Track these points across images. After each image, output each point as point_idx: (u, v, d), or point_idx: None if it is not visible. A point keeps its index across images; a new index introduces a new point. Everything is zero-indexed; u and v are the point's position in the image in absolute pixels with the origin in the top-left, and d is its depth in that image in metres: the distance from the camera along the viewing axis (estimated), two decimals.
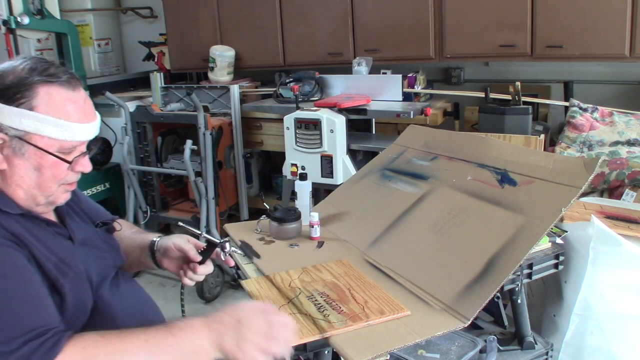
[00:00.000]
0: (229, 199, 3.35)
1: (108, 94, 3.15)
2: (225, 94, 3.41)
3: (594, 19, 2.68)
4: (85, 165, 1.10)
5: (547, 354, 1.58)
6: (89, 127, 1.06)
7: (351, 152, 2.72)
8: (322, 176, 2.70)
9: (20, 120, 0.99)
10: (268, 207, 1.77)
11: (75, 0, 4.36)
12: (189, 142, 2.92)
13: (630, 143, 2.47)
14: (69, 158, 1.05)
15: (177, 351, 0.95)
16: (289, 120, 2.74)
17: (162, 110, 3.38)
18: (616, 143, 2.49)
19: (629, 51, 2.64)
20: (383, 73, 3.25)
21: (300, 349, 1.15)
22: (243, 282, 1.42)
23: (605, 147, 2.49)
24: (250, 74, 3.89)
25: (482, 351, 1.46)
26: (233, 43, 3.66)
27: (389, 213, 1.65)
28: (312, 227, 1.68)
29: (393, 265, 1.44)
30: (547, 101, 3.01)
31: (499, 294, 1.46)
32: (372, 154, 2.25)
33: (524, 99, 2.63)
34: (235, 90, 3.35)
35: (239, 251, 1.60)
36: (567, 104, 2.79)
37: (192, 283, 1.30)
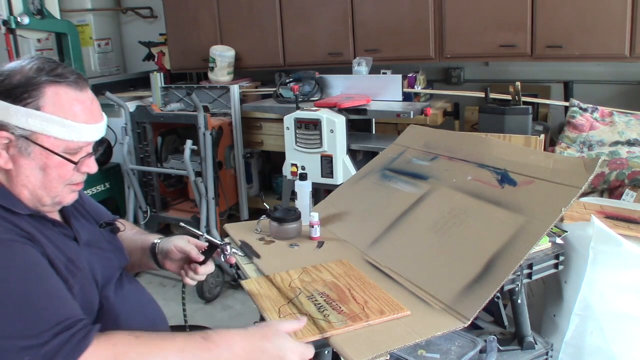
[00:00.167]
0: (229, 199, 3.35)
1: (108, 94, 3.15)
2: (225, 94, 3.41)
3: (594, 19, 2.68)
4: (91, 166, 1.09)
5: (547, 354, 1.57)
6: (95, 128, 1.06)
7: (351, 152, 2.72)
8: (322, 176, 2.69)
9: (27, 120, 0.98)
10: (268, 207, 1.77)
11: (75, 0, 4.36)
12: (189, 142, 2.92)
13: (630, 143, 2.46)
14: (75, 159, 1.05)
15: None
16: (289, 120, 2.74)
17: (162, 110, 3.38)
18: (616, 143, 2.49)
19: (629, 51, 2.64)
20: (383, 73, 3.25)
21: None
22: (243, 282, 1.42)
23: (605, 147, 2.49)
24: (250, 74, 3.89)
25: (482, 351, 1.46)
26: (233, 43, 3.66)
27: (389, 213, 1.65)
28: (312, 227, 1.68)
29: (393, 265, 1.44)
30: (547, 101, 3.01)
31: (499, 294, 1.46)
32: (372, 154, 2.25)
33: (524, 99, 2.63)
34: (235, 90, 3.35)
35: (240, 252, 1.60)
36: (567, 104, 2.79)
37: (193, 282, 1.31)
